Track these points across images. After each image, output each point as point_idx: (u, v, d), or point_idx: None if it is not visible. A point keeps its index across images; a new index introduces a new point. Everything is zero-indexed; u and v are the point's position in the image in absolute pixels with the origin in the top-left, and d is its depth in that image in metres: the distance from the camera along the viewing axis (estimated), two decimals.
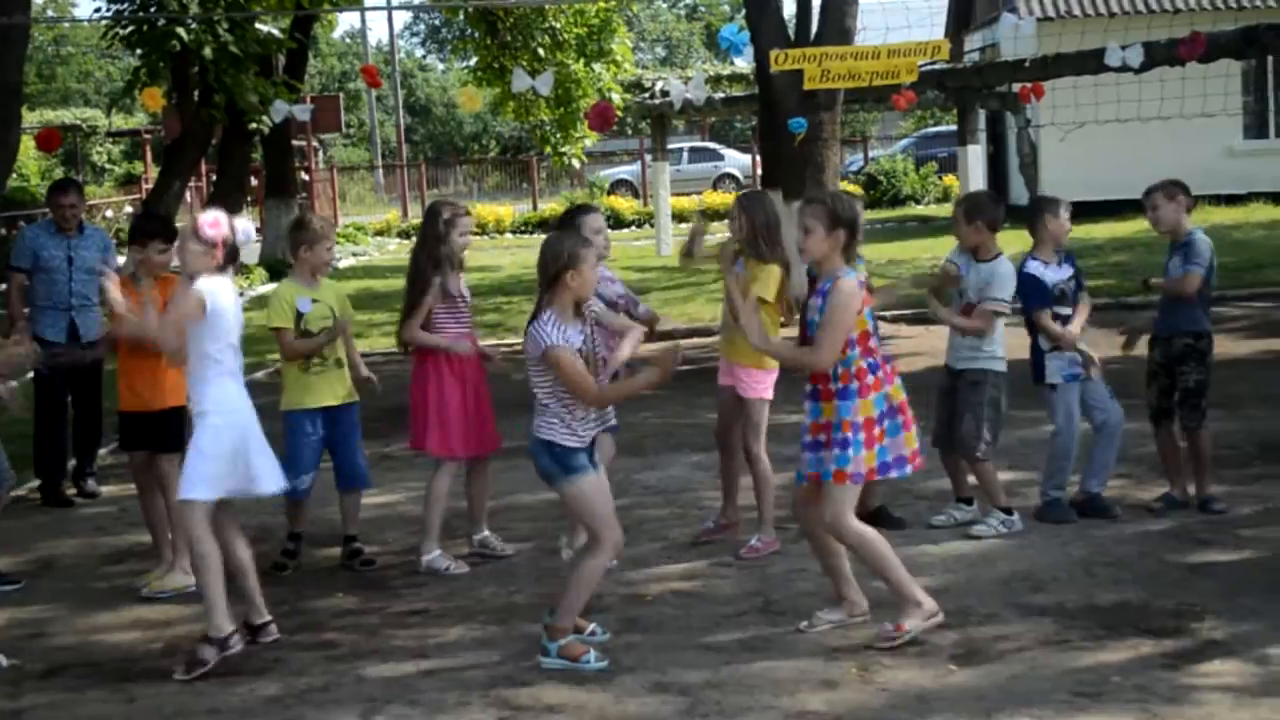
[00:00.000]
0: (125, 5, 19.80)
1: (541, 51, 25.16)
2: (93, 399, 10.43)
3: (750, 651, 6.54)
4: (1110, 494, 8.65)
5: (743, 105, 28.74)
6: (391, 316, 18.97)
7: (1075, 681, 5.98)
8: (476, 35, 26.61)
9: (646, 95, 28.76)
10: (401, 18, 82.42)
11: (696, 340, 16.10)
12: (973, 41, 31.07)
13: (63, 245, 10.14)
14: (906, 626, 6.48)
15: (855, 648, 6.49)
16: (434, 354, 8.18)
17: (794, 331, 7.52)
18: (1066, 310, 8.37)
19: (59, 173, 40.43)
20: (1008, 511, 8.27)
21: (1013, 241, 8.32)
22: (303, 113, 15.44)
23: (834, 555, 6.84)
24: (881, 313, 7.06)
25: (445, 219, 8.19)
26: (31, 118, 40.77)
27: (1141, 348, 8.81)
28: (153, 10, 19.09)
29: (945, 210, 28.46)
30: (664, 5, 78.36)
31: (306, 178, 36.62)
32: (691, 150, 46.30)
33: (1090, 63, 17.31)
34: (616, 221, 34.07)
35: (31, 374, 9.80)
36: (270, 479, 6.85)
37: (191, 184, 28.28)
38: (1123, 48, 15.70)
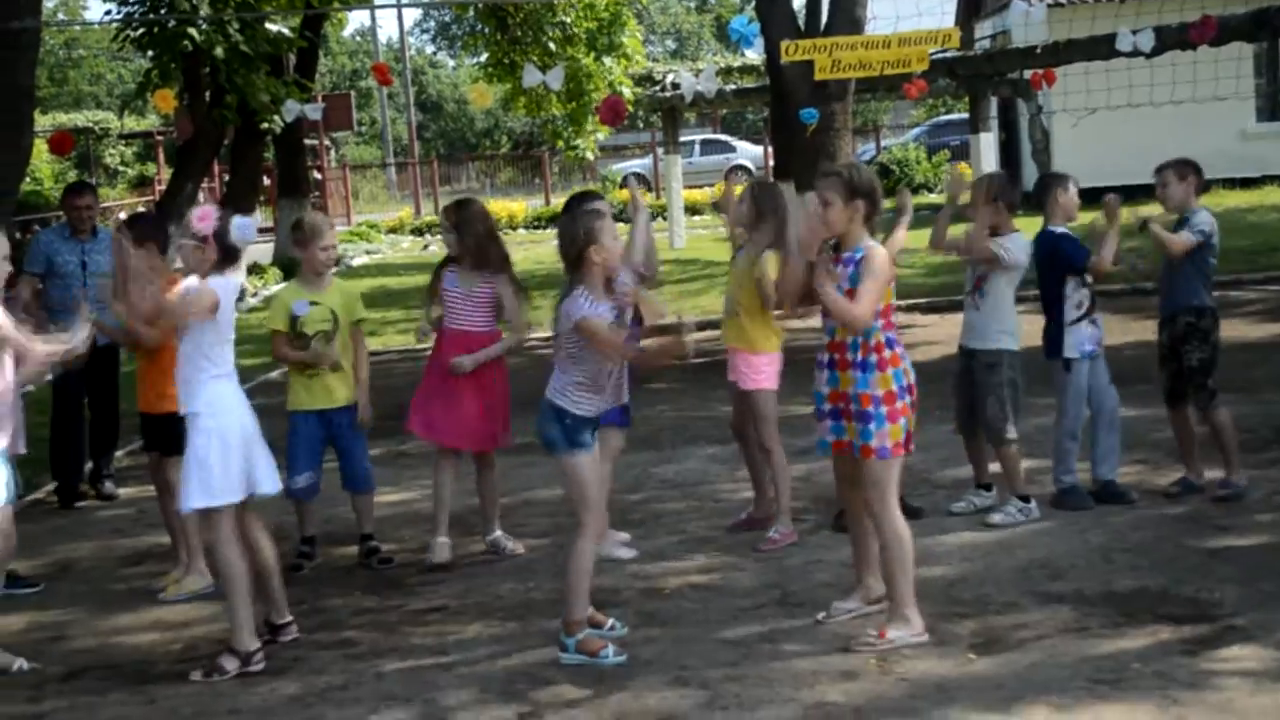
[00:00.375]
0: (136, 7, 19.82)
1: (552, 46, 25.13)
2: (109, 401, 10.45)
3: (769, 644, 6.54)
4: (1127, 480, 8.63)
5: (754, 97, 28.67)
6: (406, 314, 19.02)
7: (1095, 669, 5.97)
8: (487, 31, 26.60)
9: (657, 88, 28.70)
10: (412, 15, 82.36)
11: (710, 333, 16.06)
12: (983, 29, 30.98)
13: (76, 250, 10.16)
14: (890, 635, 6.39)
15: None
16: (451, 337, 8.22)
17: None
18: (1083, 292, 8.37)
19: (72, 176, 40.45)
20: (1025, 500, 8.25)
21: (1028, 228, 8.29)
22: (314, 112, 15.43)
23: (868, 532, 6.75)
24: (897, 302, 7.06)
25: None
26: (44, 121, 40.79)
27: (1151, 332, 8.78)
28: (163, 11, 19.11)
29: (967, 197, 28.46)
30: None
31: (319, 176, 36.66)
32: (703, 143, 46.22)
33: (1101, 48, 17.26)
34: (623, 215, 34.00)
35: (50, 377, 9.81)
36: (270, 480, 6.82)
37: (205, 185, 28.27)
38: (1134, 32, 15.64)
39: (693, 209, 31.83)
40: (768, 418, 8.18)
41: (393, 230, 36.32)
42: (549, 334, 7.35)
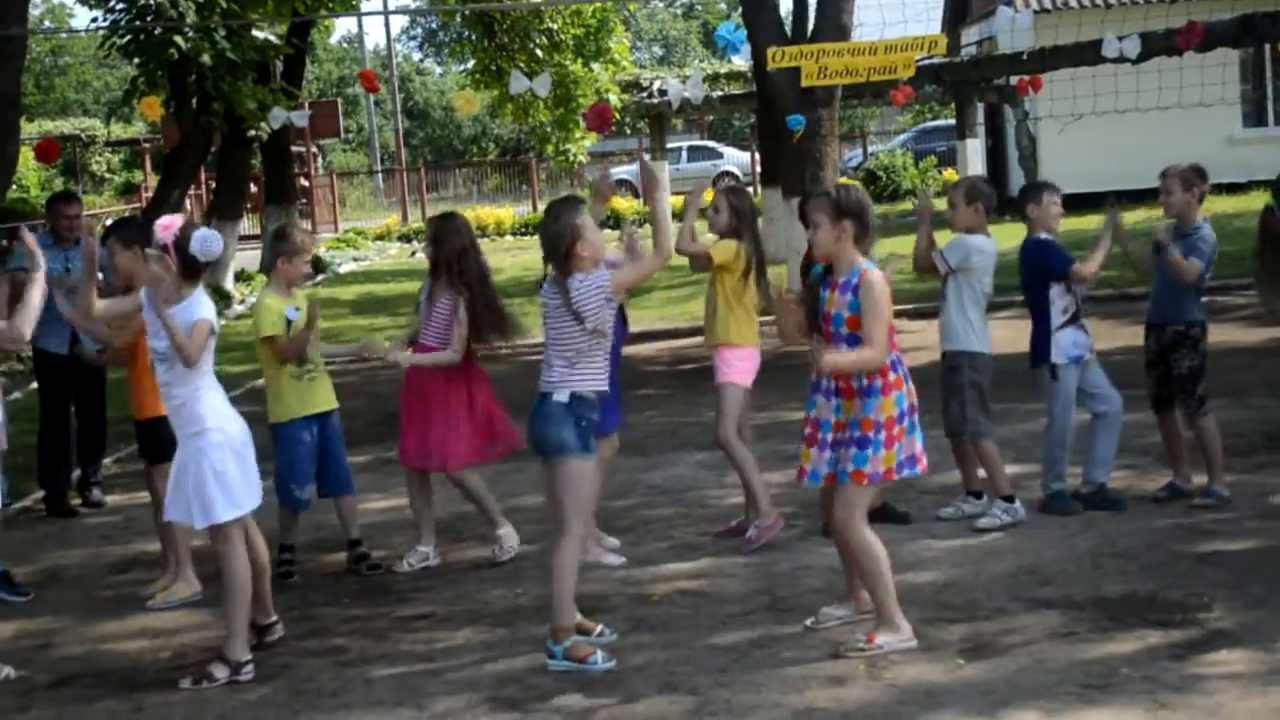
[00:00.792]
0: (122, 15, 19.80)
1: (539, 53, 25.17)
2: (96, 408, 10.42)
3: (758, 650, 6.54)
4: (1116, 485, 8.64)
5: (741, 103, 28.72)
6: (394, 320, 18.99)
7: (1084, 674, 5.98)
8: (474, 38, 26.62)
9: (644, 95, 28.71)
10: (399, 22, 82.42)
11: (697, 339, 16.06)
12: (969, 35, 31.03)
13: (60, 258, 10.09)
14: (878, 640, 6.39)
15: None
16: (417, 350, 8.25)
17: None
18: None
19: (58, 183, 40.46)
20: (1009, 500, 8.26)
21: (1012, 235, 8.33)
22: (301, 118, 15.46)
23: None
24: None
25: None
26: (30, 128, 40.72)
27: (1140, 338, 8.81)
28: (149, 19, 19.10)
29: (944, 204, 28.48)
30: (660, 4, 78.37)
31: (306, 184, 36.55)
32: (690, 149, 46.24)
33: (1088, 54, 17.28)
34: (617, 221, 34.05)
35: (35, 384, 9.77)
36: (257, 492, 6.82)
37: (191, 192, 28.25)
38: (1120, 38, 15.70)
39: (680, 215, 31.78)
40: (728, 414, 8.15)
41: (380, 237, 36.25)
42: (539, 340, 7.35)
